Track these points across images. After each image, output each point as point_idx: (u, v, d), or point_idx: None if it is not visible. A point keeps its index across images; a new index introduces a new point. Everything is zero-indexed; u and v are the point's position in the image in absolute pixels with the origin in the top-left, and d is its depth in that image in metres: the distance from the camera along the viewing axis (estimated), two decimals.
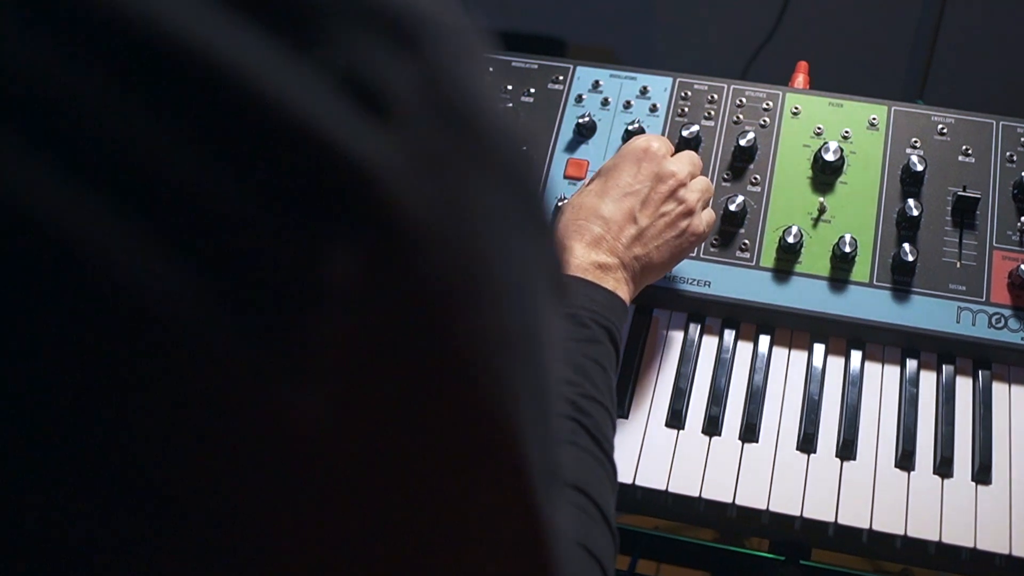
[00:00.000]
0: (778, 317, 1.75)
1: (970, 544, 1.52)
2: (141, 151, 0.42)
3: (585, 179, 1.86)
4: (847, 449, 1.63)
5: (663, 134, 1.88)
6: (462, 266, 0.53)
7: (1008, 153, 1.81)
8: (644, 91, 1.94)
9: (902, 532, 1.54)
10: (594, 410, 1.28)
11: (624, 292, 1.48)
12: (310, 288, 0.46)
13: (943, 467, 1.61)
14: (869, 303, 1.72)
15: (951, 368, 1.71)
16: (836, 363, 1.74)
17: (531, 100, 1.95)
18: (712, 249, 1.78)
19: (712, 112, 1.90)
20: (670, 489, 1.60)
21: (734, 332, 1.77)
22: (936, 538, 1.53)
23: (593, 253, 1.48)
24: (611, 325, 1.41)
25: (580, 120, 1.89)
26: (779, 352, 1.76)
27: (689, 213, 1.57)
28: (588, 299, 1.43)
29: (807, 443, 1.64)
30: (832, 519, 1.56)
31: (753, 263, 1.77)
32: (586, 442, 1.25)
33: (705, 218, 1.61)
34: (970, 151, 1.81)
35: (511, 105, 1.91)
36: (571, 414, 1.26)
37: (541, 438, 0.61)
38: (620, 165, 1.58)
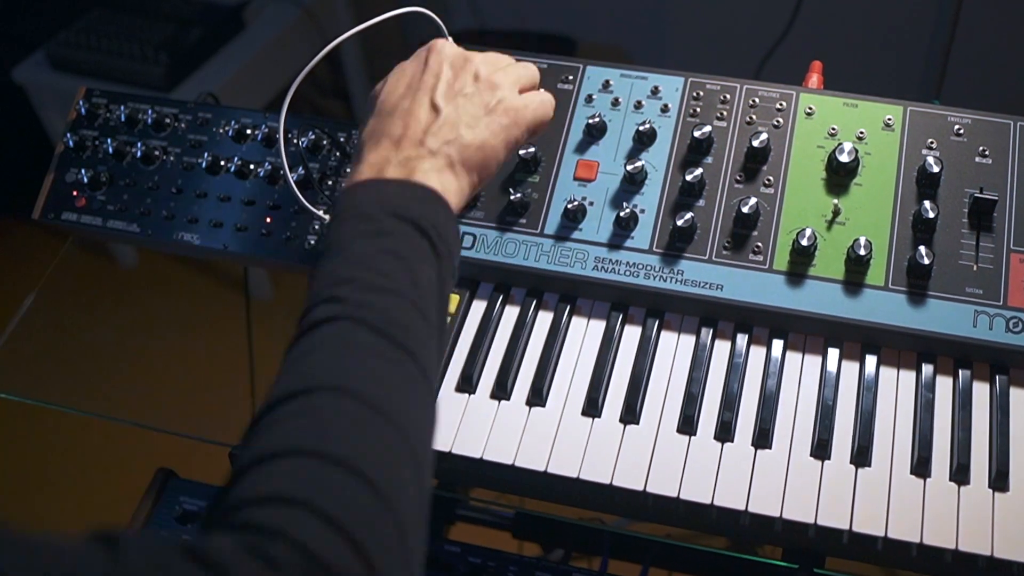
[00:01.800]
0: (791, 321, 1.76)
1: (987, 552, 1.52)
2: None
3: (595, 180, 1.86)
4: (862, 455, 1.63)
5: (675, 135, 1.88)
6: None
7: None
8: (655, 91, 1.94)
9: (918, 540, 1.54)
10: (379, 300, 1.27)
11: (441, 180, 1.47)
12: None
13: (960, 474, 1.60)
14: (884, 307, 1.72)
15: (968, 373, 1.71)
16: (850, 368, 1.74)
17: None
18: (724, 252, 1.78)
19: (724, 112, 1.90)
20: (682, 496, 1.60)
21: (747, 336, 1.77)
22: (952, 546, 1.53)
23: (394, 152, 1.47)
24: (413, 214, 1.38)
25: (590, 120, 1.89)
26: (792, 357, 1.76)
27: (493, 87, 1.57)
28: (385, 196, 1.41)
29: (821, 449, 1.64)
30: (847, 526, 1.56)
31: (766, 266, 1.77)
32: (365, 337, 1.23)
33: (526, 98, 1.61)
34: (987, 152, 1.81)
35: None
36: (341, 313, 1.25)
37: None
38: (406, 66, 1.60)
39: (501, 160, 1.57)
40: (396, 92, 1.56)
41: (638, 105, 1.92)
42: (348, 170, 1.50)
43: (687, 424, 1.68)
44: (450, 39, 1.69)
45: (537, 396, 1.73)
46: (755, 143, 1.82)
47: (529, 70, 1.67)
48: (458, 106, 1.53)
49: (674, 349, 1.78)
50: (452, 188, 1.48)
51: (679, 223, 1.78)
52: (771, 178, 1.83)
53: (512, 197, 1.84)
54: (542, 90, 1.70)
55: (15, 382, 2.21)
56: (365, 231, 1.35)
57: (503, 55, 1.68)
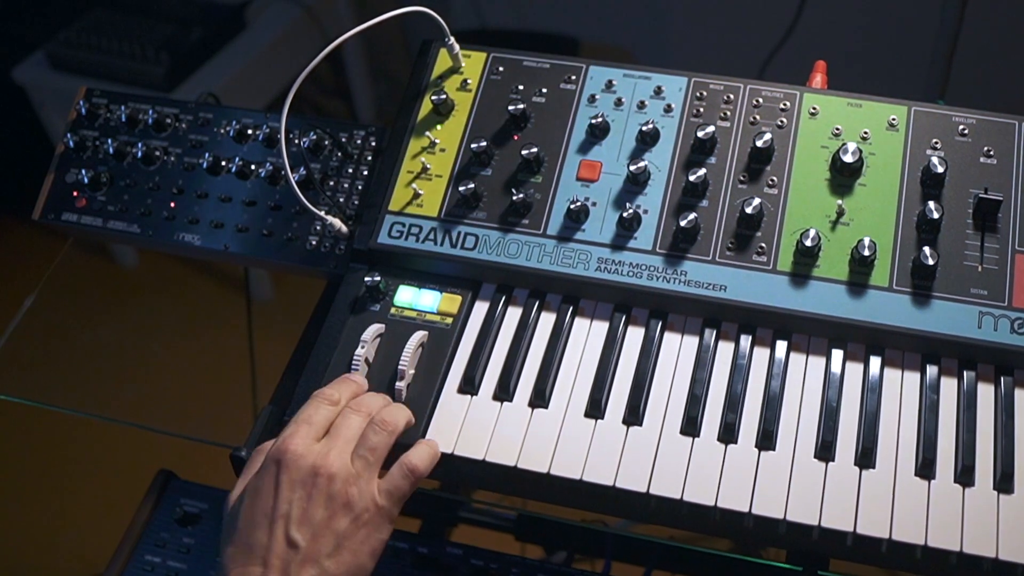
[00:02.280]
0: (795, 322, 1.75)
1: (992, 555, 1.52)
2: None
3: (598, 180, 1.87)
4: (866, 457, 1.63)
5: (678, 135, 1.88)
6: None
7: None
8: (658, 91, 1.94)
9: (922, 542, 1.54)
10: None
11: None
12: None
13: (964, 475, 1.60)
14: (888, 308, 1.72)
15: (972, 374, 1.71)
16: (855, 369, 1.74)
17: (543, 100, 1.95)
18: (728, 253, 1.78)
19: (728, 112, 1.90)
20: (685, 498, 1.60)
21: (750, 337, 1.77)
22: (957, 548, 1.53)
23: None
24: None
25: (593, 121, 1.89)
26: (796, 358, 1.76)
27: (348, 505, 1.55)
28: None
29: (825, 451, 1.64)
30: (851, 529, 1.56)
31: (770, 267, 1.77)
32: None
33: (387, 483, 1.60)
34: (992, 152, 1.81)
35: (522, 106, 1.91)
36: None
37: None
38: (259, 485, 1.57)
39: (370, 569, 1.56)
40: (252, 519, 1.54)
41: (641, 105, 1.93)
42: None
43: (690, 425, 1.68)
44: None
45: (540, 397, 1.73)
46: (759, 143, 1.82)
47: (386, 431, 1.63)
48: (316, 534, 1.51)
49: (677, 350, 1.78)
50: None
51: (682, 224, 1.78)
52: (775, 178, 1.83)
53: (514, 197, 1.84)
54: (393, 414, 1.68)
55: (15, 383, 2.21)
56: None
57: (358, 414, 1.65)
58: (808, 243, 1.73)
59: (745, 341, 1.77)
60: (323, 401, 1.64)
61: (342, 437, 1.59)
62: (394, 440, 1.63)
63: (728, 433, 1.67)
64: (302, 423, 1.60)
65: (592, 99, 1.94)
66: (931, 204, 1.74)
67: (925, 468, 1.61)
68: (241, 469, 1.71)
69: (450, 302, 1.84)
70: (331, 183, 2.02)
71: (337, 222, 1.92)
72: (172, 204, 2.06)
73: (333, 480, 1.54)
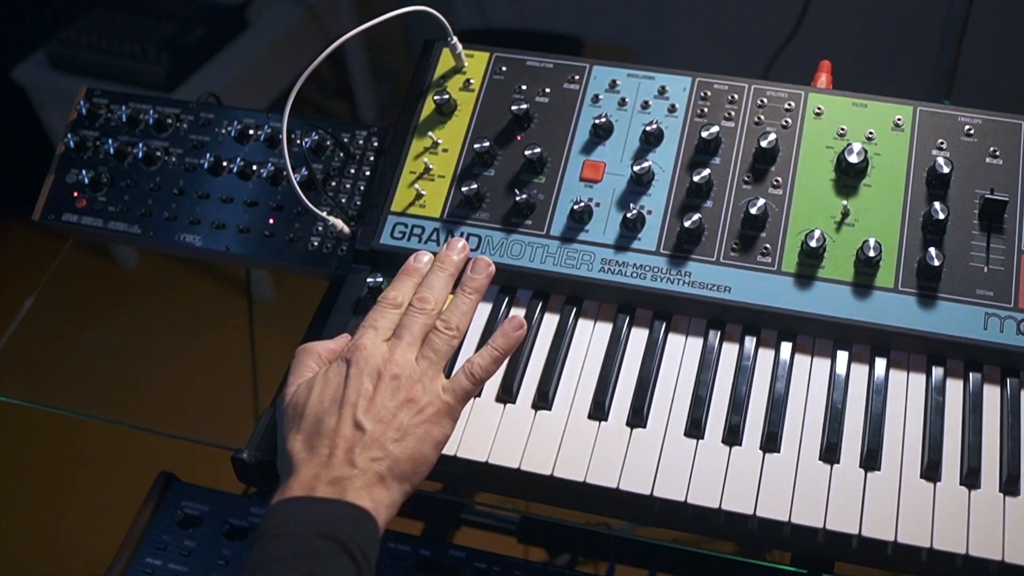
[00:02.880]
0: (800, 323, 1.75)
1: (998, 557, 1.52)
2: None
3: (601, 181, 1.87)
4: (871, 459, 1.63)
5: (682, 135, 1.88)
6: None
7: None
8: (662, 91, 1.94)
9: (928, 545, 1.54)
10: None
11: (372, 496, 1.50)
12: None
13: (970, 478, 1.60)
14: (894, 309, 1.72)
15: (978, 376, 1.71)
16: (860, 371, 1.74)
17: (546, 100, 1.95)
18: (732, 253, 1.78)
19: (732, 113, 1.90)
20: (689, 500, 1.60)
21: (755, 339, 1.77)
22: (963, 551, 1.53)
23: (324, 470, 1.51)
24: (342, 536, 1.42)
25: (596, 121, 1.89)
26: (801, 360, 1.76)
27: (413, 400, 1.59)
28: (314, 515, 1.45)
29: (830, 453, 1.64)
30: (856, 531, 1.56)
31: (774, 268, 1.77)
32: None
33: (452, 384, 1.64)
34: (998, 153, 1.81)
35: (526, 106, 1.91)
36: None
37: None
38: (329, 376, 1.62)
39: (433, 461, 1.60)
40: (320, 407, 1.59)
41: (645, 105, 1.93)
42: (279, 488, 1.53)
43: (695, 427, 1.68)
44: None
45: (543, 399, 1.73)
46: (763, 143, 1.82)
47: (449, 334, 1.69)
48: (382, 421, 1.56)
49: (681, 352, 1.78)
50: (384, 502, 1.52)
51: (686, 224, 1.78)
52: (779, 179, 1.83)
53: (518, 198, 1.84)
54: (468, 282, 1.77)
55: (15, 385, 2.21)
56: (289, 553, 1.41)
57: (423, 313, 1.70)
58: (813, 244, 1.73)
59: (749, 342, 1.77)
60: (387, 306, 1.71)
61: (407, 338, 1.66)
62: (458, 341, 1.71)
63: (732, 435, 1.67)
64: (368, 328, 1.67)
65: (596, 99, 1.94)
66: (937, 205, 1.74)
67: (931, 470, 1.61)
68: (242, 471, 1.71)
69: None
70: (333, 184, 2.02)
71: (339, 223, 1.92)
72: (173, 205, 2.06)
73: (399, 377, 1.60)
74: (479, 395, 1.75)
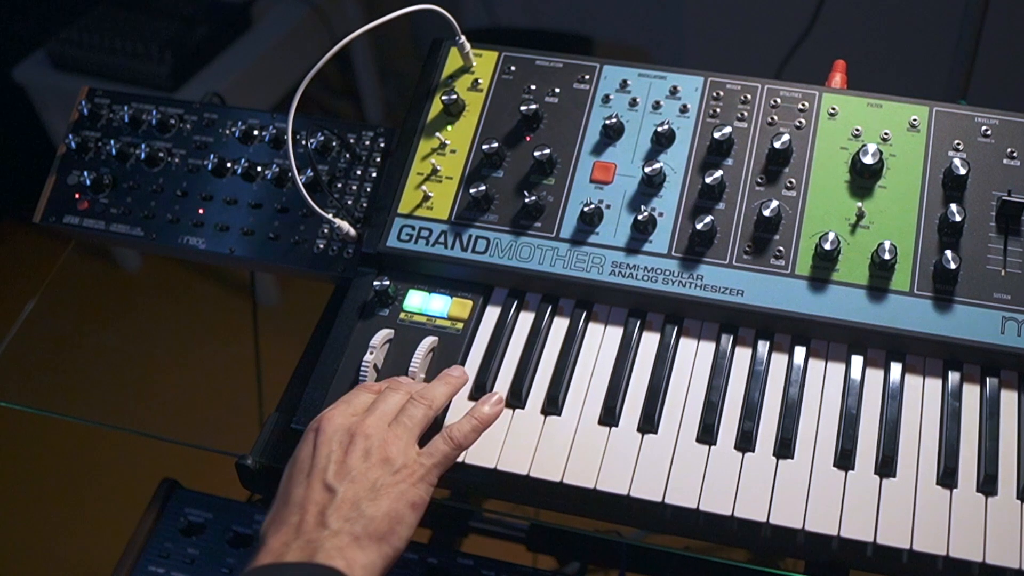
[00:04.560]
0: (814, 327, 1.76)
1: (1016, 565, 1.52)
2: None
3: (612, 182, 1.87)
4: (887, 465, 1.63)
5: (694, 136, 1.89)
6: None
7: None
8: (674, 91, 1.94)
9: (944, 553, 1.54)
10: None
11: (347, 556, 1.46)
12: None
13: (987, 485, 1.60)
14: (909, 313, 1.72)
15: (995, 381, 1.71)
16: (875, 376, 1.74)
17: (556, 100, 1.95)
18: (745, 256, 1.78)
19: (745, 113, 1.90)
20: (701, 507, 1.60)
21: (768, 343, 1.78)
22: (980, 559, 1.53)
23: (294, 537, 1.47)
24: None
25: (607, 121, 1.90)
26: (815, 364, 1.76)
27: (386, 461, 1.56)
28: None
29: (845, 459, 1.64)
30: (871, 539, 1.56)
31: (788, 271, 1.77)
32: None
33: (430, 450, 1.62)
34: (1015, 154, 1.81)
35: (535, 106, 1.91)
36: None
37: None
38: (297, 454, 1.60)
39: (412, 523, 1.56)
40: (291, 482, 1.57)
41: (656, 105, 1.93)
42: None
43: (707, 433, 1.68)
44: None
45: (552, 405, 1.73)
46: (777, 144, 1.82)
47: (424, 404, 1.67)
48: (354, 481, 1.53)
49: (693, 356, 1.78)
50: (360, 562, 1.47)
51: (699, 227, 1.78)
52: (793, 180, 1.83)
53: (527, 200, 1.84)
54: (446, 376, 1.75)
55: (15, 390, 2.21)
56: None
57: (397, 392, 1.68)
58: (827, 247, 1.73)
59: (763, 347, 1.77)
60: (364, 388, 1.69)
61: (380, 408, 1.63)
62: (434, 414, 1.67)
63: (745, 441, 1.67)
64: (341, 403, 1.65)
65: (606, 99, 1.94)
66: (953, 207, 1.74)
67: (947, 477, 1.61)
68: (246, 478, 1.72)
69: (461, 307, 1.85)
70: (339, 185, 2.02)
71: (345, 225, 1.92)
72: (176, 207, 2.07)
73: (371, 438, 1.57)
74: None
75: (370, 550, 1.48)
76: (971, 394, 1.70)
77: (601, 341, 1.82)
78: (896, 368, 1.73)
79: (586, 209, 1.82)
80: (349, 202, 2.00)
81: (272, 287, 4.80)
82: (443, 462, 1.61)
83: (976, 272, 1.73)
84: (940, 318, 1.71)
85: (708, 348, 1.79)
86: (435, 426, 1.69)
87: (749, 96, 1.91)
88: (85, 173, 2.09)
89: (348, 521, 1.49)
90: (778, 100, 1.90)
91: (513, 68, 2.00)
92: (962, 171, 1.77)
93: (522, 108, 1.91)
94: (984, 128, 1.83)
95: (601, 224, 1.84)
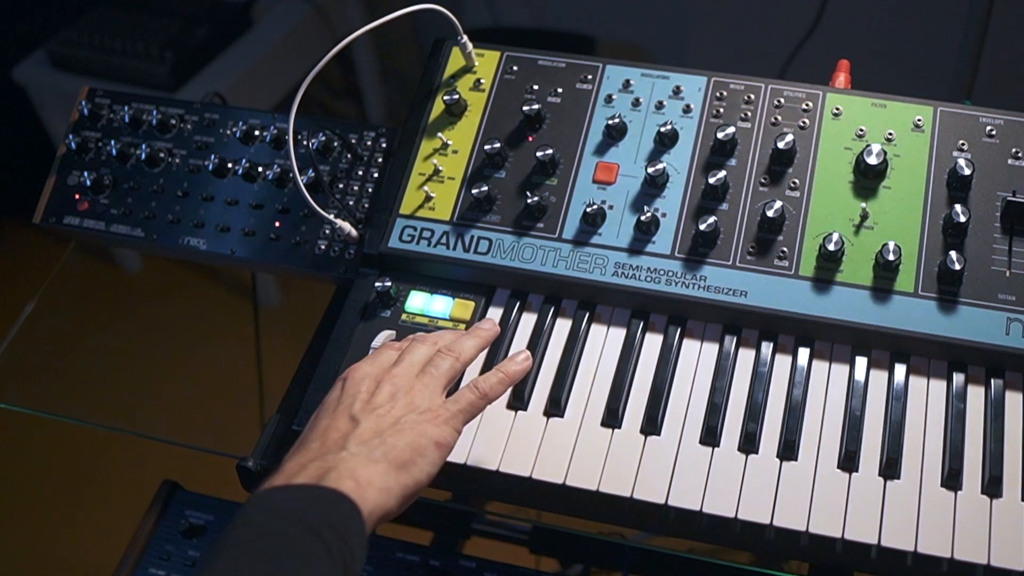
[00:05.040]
0: (818, 329, 1.76)
1: (1021, 568, 1.52)
2: None
3: (615, 183, 1.87)
4: (891, 467, 1.63)
5: (697, 136, 1.89)
6: None
7: None
8: (677, 91, 1.94)
9: (949, 555, 1.54)
10: None
11: (359, 476, 1.44)
12: None
13: (992, 487, 1.60)
14: (914, 314, 1.72)
15: (1000, 382, 1.71)
16: (879, 377, 1.74)
17: (558, 100, 1.96)
18: (749, 257, 1.78)
19: (749, 113, 1.90)
20: (705, 510, 1.61)
21: (772, 344, 1.78)
22: (984, 561, 1.53)
23: (310, 460, 1.46)
24: (309, 517, 1.38)
25: (610, 121, 1.90)
26: (819, 366, 1.76)
27: (411, 406, 1.55)
28: (281, 501, 1.41)
29: (849, 461, 1.64)
30: (875, 541, 1.56)
31: (792, 272, 1.77)
32: None
33: (455, 401, 1.60)
34: (1020, 154, 1.81)
35: (537, 106, 1.91)
36: None
37: None
38: (327, 397, 1.60)
39: (434, 460, 1.53)
40: (317, 419, 1.57)
41: (659, 105, 1.93)
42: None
43: (710, 435, 1.68)
44: (470, 41, 1.68)
45: (555, 406, 1.74)
46: (780, 145, 1.82)
47: (452, 356, 1.66)
48: (378, 417, 1.52)
49: (696, 358, 1.79)
50: (375, 483, 1.45)
51: (702, 227, 1.78)
52: (797, 181, 1.83)
53: (529, 200, 1.84)
54: (476, 329, 1.74)
55: (15, 392, 2.22)
56: (248, 536, 1.36)
57: (425, 344, 1.67)
58: (831, 247, 1.74)
59: (766, 348, 1.77)
60: (387, 348, 1.67)
61: (406, 361, 1.62)
62: (461, 367, 1.66)
63: (749, 443, 1.67)
64: (367, 358, 1.65)
65: (609, 99, 1.94)
66: (958, 207, 1.74)
67: (951, 479, 1.61)
68: (247, 480, 1.72)
69: (463, 308, 1.85)
70: (340, 185, 2.02)
71: (347, 226, 1.92)
72: (177, 207, 2.07)
73: (397, 383, 1.57)
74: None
75: (388, 475, 1.46)
76: (976, 396, 1.70)
77: (604, 342, 1.82)
78: (900, 369, 1.73)
79: (589, 210, 1.82)
80: (351, 203, 2.00)
81: (273, 288, 4.80)
82: (468, 409, 1.59)
83: (981, 273, 1.73)
84: (944, 319, 1.71)
85: (711, 349, 1.79)
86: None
87: (753, 96, 1.91)
88: (85, 173, 2.09)
89: (367, 446, 1.47)
90: (782, 100, 1.90)
91: (515, 68, 2.00)
92: (967, 171, 1.77)
93: (524, 108, 1.92)
94: (989, 128, 1.83)
95: (604, 225, 1.84)
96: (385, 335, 1.79)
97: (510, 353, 1.75)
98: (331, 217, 1.91)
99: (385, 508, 1.45)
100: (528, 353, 1.72)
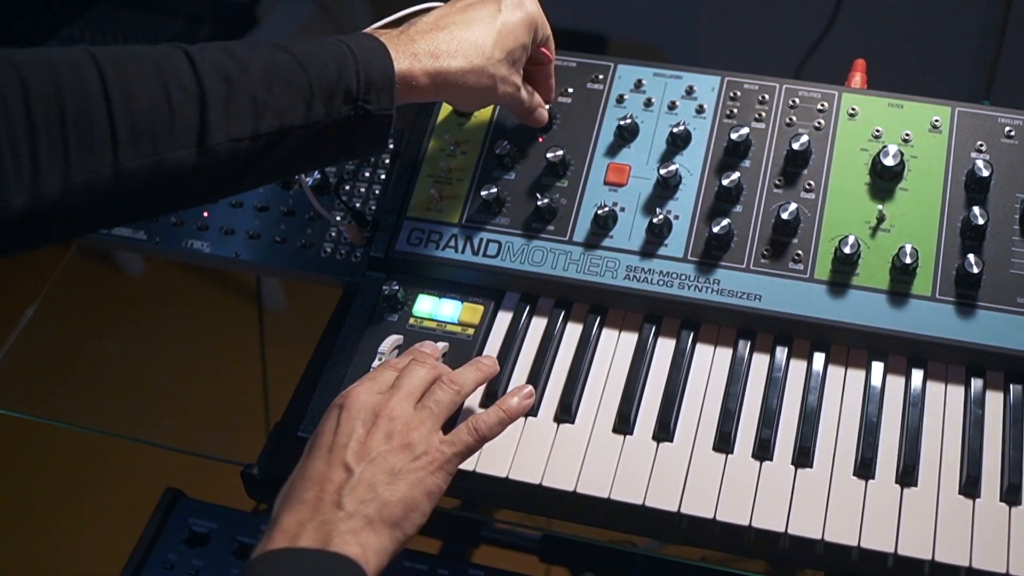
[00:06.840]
0: (834, 333, 1.76)
1: None
2: None
3: (626, 184, 1.87)
4: (908, 475, 1.63)
5: (710, 137, 1.89)
6: None
7: None
8: (690, 91, 1.94)
9: (967, 564, 1.54)
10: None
11: (360, 541, 1.45)
12: None
13: (1011, 494, 1.60)
14: (931, 318, 1.72)
15: (1019, 388, 1.71)
16: (896, 383, 1.74)
17: (569, 100, 1.96)
18: (763, 260, 1.78)
19: (763, 113, 1.90)
20: (718, 517, 1.60)
21: (786, 349, 1.78)
22: (1004, 570, 1.53)
23: (309, 517, 1.46)
24: None
25: (621, 122, 1.90)
26: (835, 371, 1.76)
27: (408, 446, 1.54)
28: (291, 570, 1.41)
29: (865, 468, 1.64)
30: (892, 550, 1.56)
31: (807, 275, 1.77)
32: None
33: (451, 441, 1.58)
34: None
35: (547, 106, 1.92)
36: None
37: None
38: (320, 428, 1.59)
39: (426, 511, 1.55)
40: (311, 456, 1.56)
41: (672, 106, 1.93)
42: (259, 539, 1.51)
43: (724, 442, 1.68)
44: None
45: (566, 412, 1.74)
46: (795, 146, 1.82)
47: (453, 389, 1.64)
48: (373, 463, 1.52)
49: (710, 362, 1.79)
50: (373, 547, 1.46)
51: (715, 230, 1.78)
52: (812, 182, 1.83)
53: (539, 203, 1.84)
54: (477, 362, 1.73)
55: (15, 397, 2.22)
56: None
57: (424, 366, 1.66)
58: (847, 250, 1.73)
59: (781, 353, 1.77)
60: (388, 366, 1.67)
61: (405, 387, 1.61)
62: (461, 400, 1.65)
63: (763, 450, 1.67)
64: (365, 380, 1.63)
65: (620, 99, 1.95)
66: (976, 209, 1.74)
67: (969, 486, 1.61)
68: (251, 487, 1.72)
69: (472, 312, 1.85)
70: (347, 187, 2.03)
71: (353, 228, 1.93)
72: None
73: (394, 421, 1.56)
74: None
75: (383, 535, 1.48)
76: (994, 401, 1.70)
77: (615, 347, 1.82)
78: (917, 375, 1.73)
79: (600, 212, 1.82)
80: (357, 205, 2.01)
81: (278, 292, 4.80)
82: (464, 452, 1.59)
83: (1000, 276, 1.73)
84: (962, 323, 1.71)
85: (725, 354, 1.79)
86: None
87: (767, 96, 1.91)
88: None
89: (363, 503, 1.48)
90: (797, 100, 1.90)
91: None
92: (985, 173, 1.76)
93: None
94: (1008, 129, 1.83)
95: (615, 227, 1.84)
96: (392, 340, 1.79)
97: (518, 359, 1.75)
98: (337, 219, 1.91)
99: (381, 568, 1.47)
100: (531, 389, 1.71)
